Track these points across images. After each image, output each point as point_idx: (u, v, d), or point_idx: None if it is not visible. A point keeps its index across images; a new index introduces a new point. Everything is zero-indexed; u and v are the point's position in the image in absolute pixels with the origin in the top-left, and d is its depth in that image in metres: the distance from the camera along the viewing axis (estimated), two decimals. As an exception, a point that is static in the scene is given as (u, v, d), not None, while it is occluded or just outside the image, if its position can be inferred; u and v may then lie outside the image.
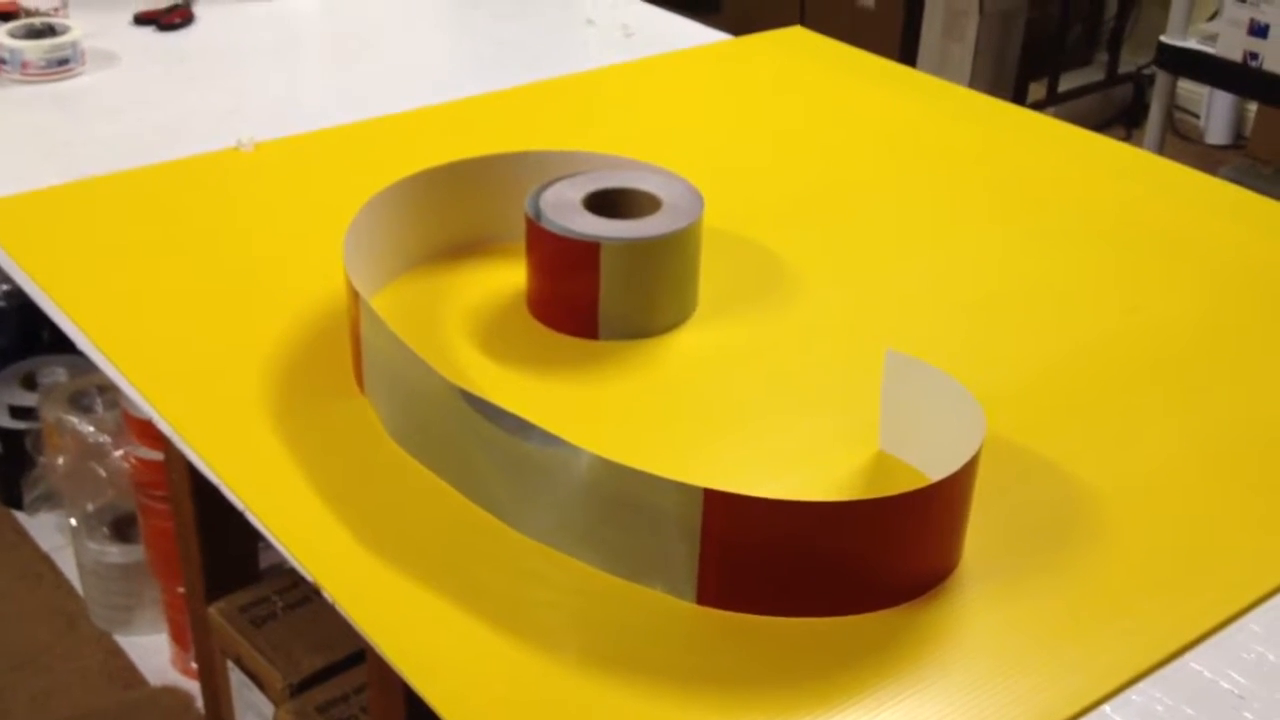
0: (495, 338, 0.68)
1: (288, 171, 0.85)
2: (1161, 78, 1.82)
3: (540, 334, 0.68)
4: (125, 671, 1.06)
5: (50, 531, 1.23)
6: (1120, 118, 2.50)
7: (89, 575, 1.10)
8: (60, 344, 1.34)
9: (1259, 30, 1.65)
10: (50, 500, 1.20)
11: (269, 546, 0.57)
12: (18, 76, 0.97)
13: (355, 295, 0.61)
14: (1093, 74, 2.57)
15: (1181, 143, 2.42)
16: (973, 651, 0.49)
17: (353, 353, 0.64)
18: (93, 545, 1.07)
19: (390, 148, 0.88)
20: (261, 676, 0.78)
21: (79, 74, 0.99)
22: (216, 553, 0.82)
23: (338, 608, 0.51)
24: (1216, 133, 2.49)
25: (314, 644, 0.78)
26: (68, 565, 1.18)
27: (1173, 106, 2.23)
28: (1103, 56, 2.58)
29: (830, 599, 0.50)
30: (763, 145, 0.91)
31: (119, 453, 1.00)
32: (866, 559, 0.50)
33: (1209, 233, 0.80)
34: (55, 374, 1.26)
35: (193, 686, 1.04)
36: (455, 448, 0.56)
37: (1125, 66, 2.54)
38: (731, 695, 0.47)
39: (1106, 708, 0.47)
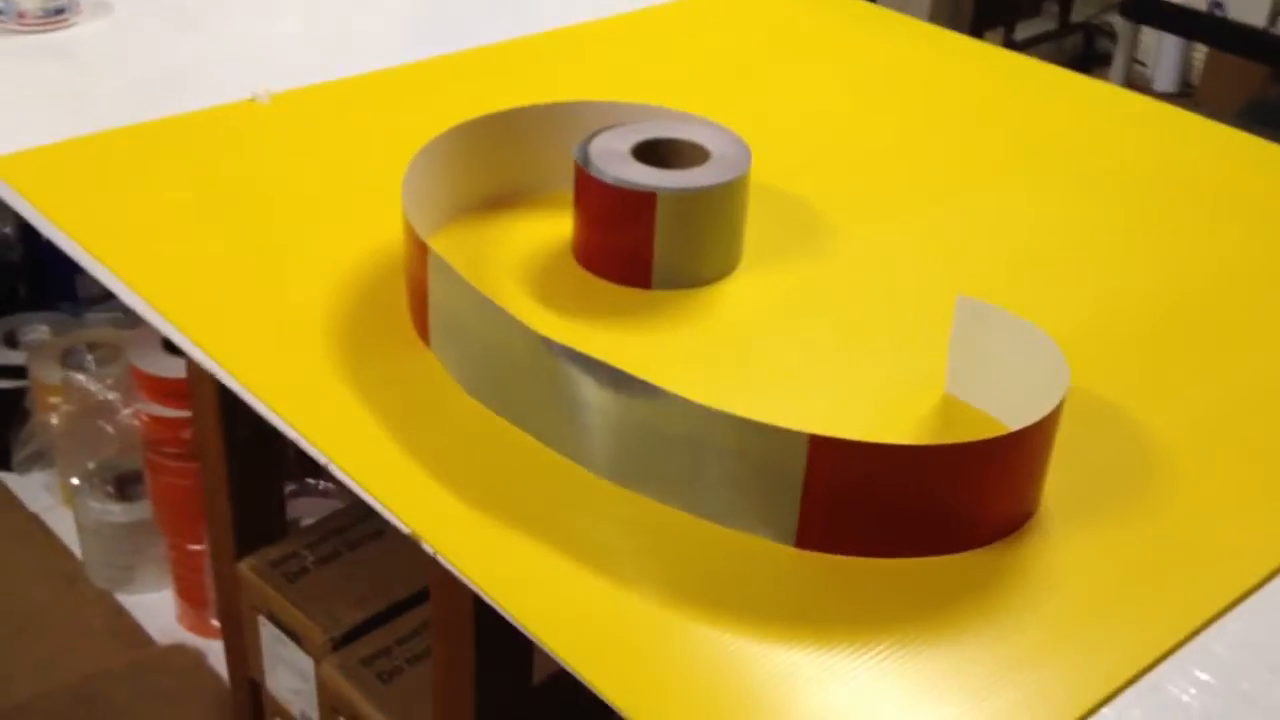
0: (546, 287, 0.68)
1: (311, 122, 0.83)
2: (1124, 27, 1.85)
3: (591, 283, 0.68)
4: (131, 631, 1.05)
5: (38, 491, 1.21)
6: (1071, 66, 2.53)
7: (89, 535, 1.08)
8: (39, 300, 1.32)
9: (1224, -20, 1.68)
10: (41, 460, 1.18)
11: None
12: (14, 26, 0.94)
13: (421, 246, 0.60)
14: (1044, 23, 2.59)
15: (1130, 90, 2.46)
16: (1060, 588, 0.50)
17: (412, 305, 0.64)
18: (95, 504, 1.06)
19: (408, 98, 0.87)
20: (299, 631, 0.78)
21: (74, 23, 0.96)
22: (246, 509, 0.81)
23: (423, 544, 0.51)
24: (1164, 80, 2.53)
25: (352, 598, 0.78)
26: (59, 525, 1.17)
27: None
28: (1053, 6, 2.61)
29: (926, 540, 0.51)
30: (783, 96, 0.91)
31: (128, 410, 0.98)
32: (963, 500, 0.51)
33: (1233, 180, 0.82)
34: (38, 330, 1.23)
35: (201, 643, 1.04)
36: (539, 399, 0.56)
37: (1074, 16, 2.57)
38: (831, 632, 0.48)
39: (1202, 637, 0.49)
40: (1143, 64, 2.54)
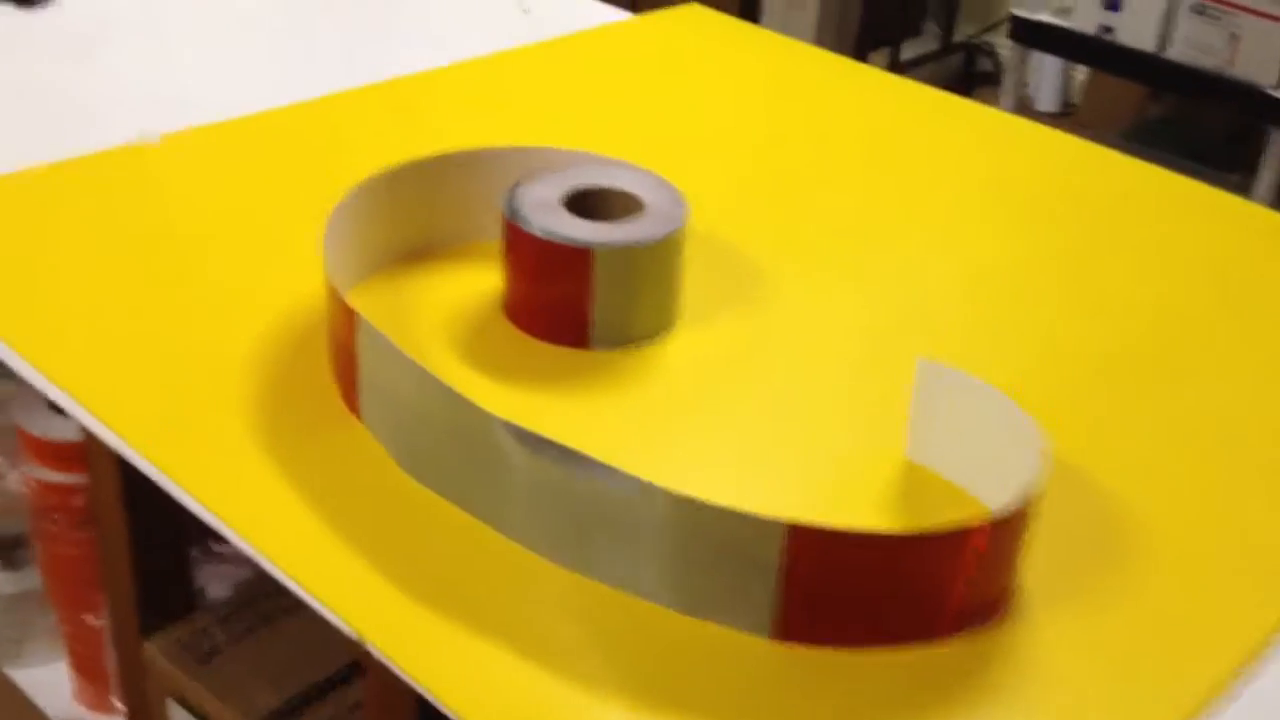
0: (477, 348, 0.64)
1: (209, 165, 0.78)
2: (1013, 50, 1.86)
3: (524, 343, 0.65)
4: (23, 709, 0.98)
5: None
6: (952, 85, 2.56)
7: (-31, 605, 1.01)
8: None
9: (1113, 4, 1.70)
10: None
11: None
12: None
13: (348, 311, 0.56)
14: (927, 43, 2.62)
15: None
16: (1046, 676, 0.48)
17: (336, 368, 0.59)
18: (-25, 574, 0.98)
19: (303, 138, 0.82)
20: (213, 718, 0.72)
21: (-59, 61, 0.90)
22: (150, 583, 0.75)
23: (369, 646, 0.47)
24: (1046, 100, 2.57)
25: (269, 680, 0.73)
26: (-68, 594, 1.08)
27: (1002, 75, 2.29)
28: (932, 26, 2.63)
29: (911, 626, 0.48)
30: (692, 131, 0.88)
31: (13, 473, 0.91)
32: (950, 585, 0.48)
33: (1145, 213, 0.81)
34: (-93, 385, 1.15)
35: (98, 720, 0.97)
36: (483, 477, 0.52)
37: (956, 36, 2.60)
38: None
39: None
40: (1024, 83, 2.58)
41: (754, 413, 0.61)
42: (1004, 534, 0.48)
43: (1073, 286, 0.73)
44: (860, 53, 2.40)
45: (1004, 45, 2.61)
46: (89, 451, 0.74)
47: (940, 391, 0.56)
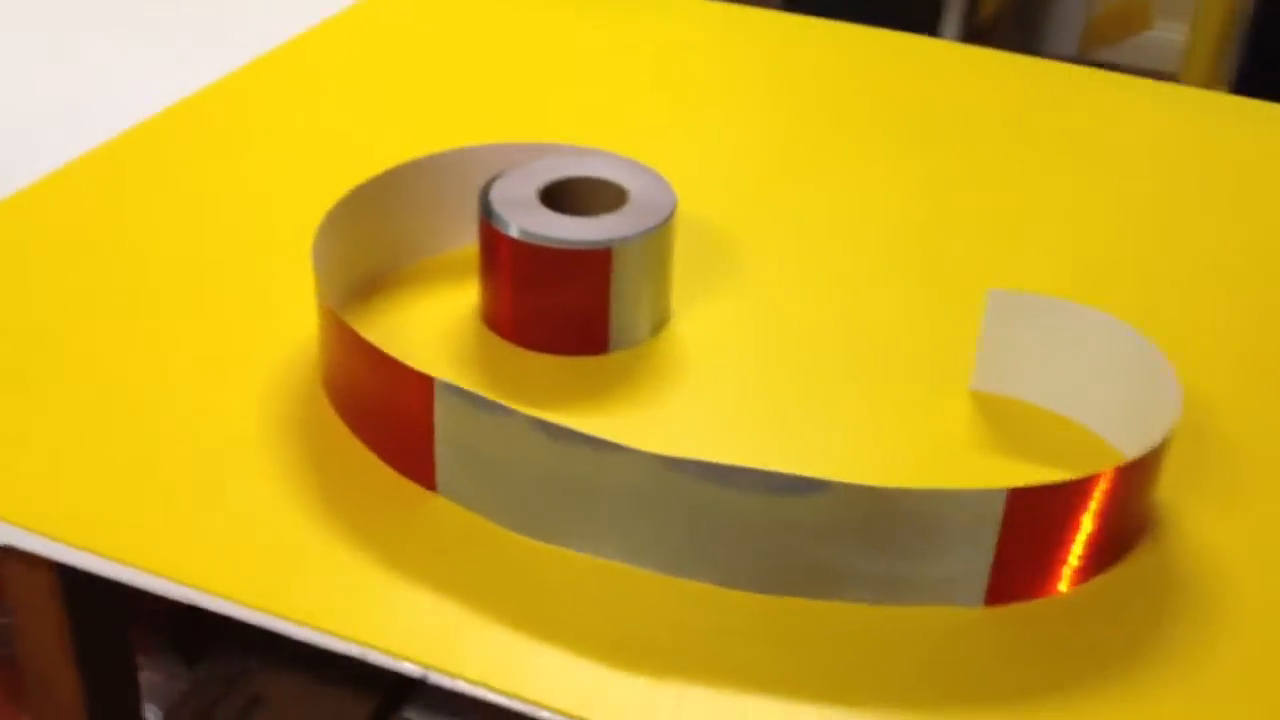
0: (496, 375, 0.59)
1: (84, 208, 0.68)
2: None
3: (536, 360, 0.60)
4: None
5: None
6: None
7: None
8: None
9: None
10: None
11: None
12: None
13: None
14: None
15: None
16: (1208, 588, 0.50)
17: (383, 442, 0.53)
18: None
19: (154, 170, 0.73)
20: None
21: None
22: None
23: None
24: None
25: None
26: None
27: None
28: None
29: (1096, 563, 0.49)
30: (627, 101, 0.84)
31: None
32: (1129, 513, 0.49)
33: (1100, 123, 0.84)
34: None
35: None
36: (640, 520, 0.48)
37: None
38: (1051, 685, 0.45)
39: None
40: None
41: (804, 382, 0.59)
42: (1156, 462, 0.49)
43: (1080, 223, 0.75)
44: None
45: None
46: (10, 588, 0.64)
47: (1013, 319, 0.56)
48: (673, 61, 0.89)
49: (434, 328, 0.62)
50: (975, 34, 1.99)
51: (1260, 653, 0.46)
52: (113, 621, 0.62)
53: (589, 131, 0.79)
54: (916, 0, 1.82)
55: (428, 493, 0.52)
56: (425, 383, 0.50)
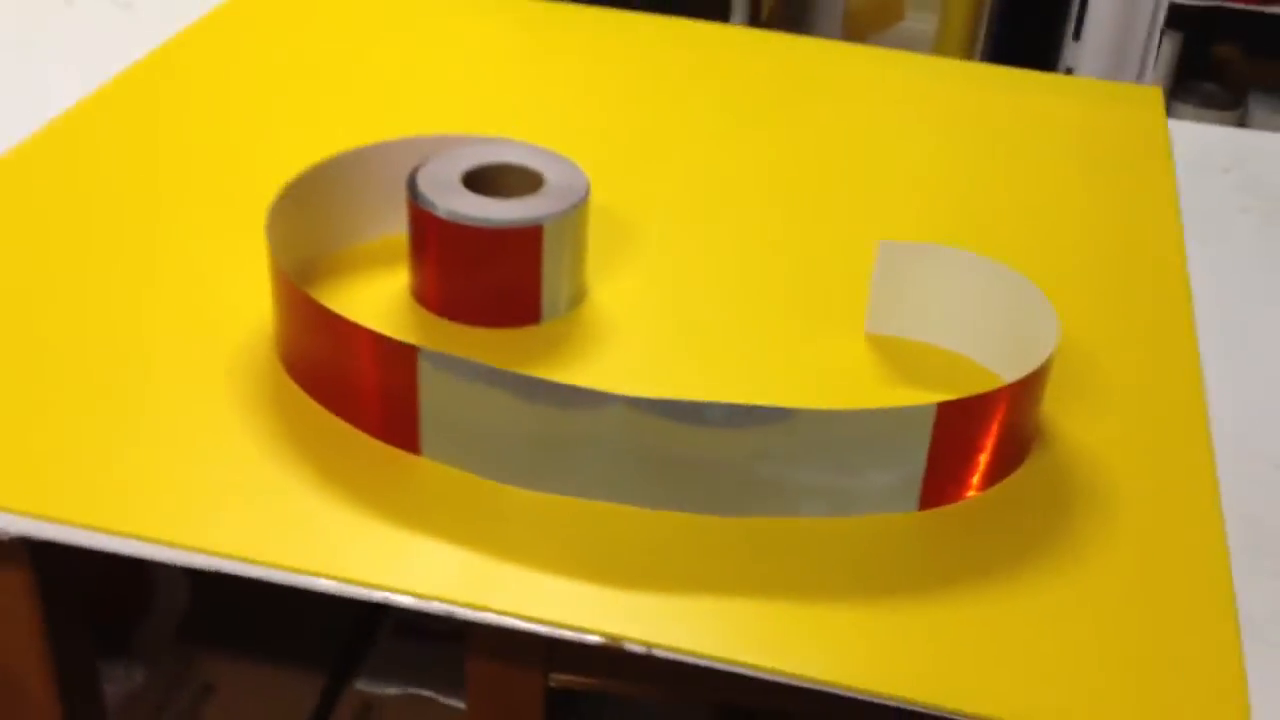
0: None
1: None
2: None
3: (474, 334, 0.65)
4: None
5: None
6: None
7: None
8: None
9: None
10: None
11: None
12: None
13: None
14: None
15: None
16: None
17: (361, 411, 0.57)
18: None
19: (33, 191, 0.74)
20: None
21: None
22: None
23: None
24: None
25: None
26: None
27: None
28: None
29: (1002, 469, 0.57)
30: (430, 97, 0.88)
31: None
32: (1025, 424, 0.57)
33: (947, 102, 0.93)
34: None
35: None
36: (618, 460, 0.54)
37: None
38: (967, 581, 0.53)
39: None
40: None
41: (706, 340, 0.66)
42: (1047, 373, 0.58)
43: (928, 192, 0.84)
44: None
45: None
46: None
47: (904, 266, 0.64)
48: (526, 61, 0.94)
49: (370, 308, 0.66)
50: (756, 27, 2.10)
51: (1135, 532, 0.56)
52: (83, 621, 0.64)
53: (473, 124, 0.84)
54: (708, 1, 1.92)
55: (412, 456, 0.57)
56: (409, 352, 0.54)
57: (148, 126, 0.81)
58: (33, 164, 0.76)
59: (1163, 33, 1.86)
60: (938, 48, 2.42)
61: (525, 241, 0.64)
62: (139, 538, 0.53)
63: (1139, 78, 1.90)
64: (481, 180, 0.67)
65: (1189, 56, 2.15)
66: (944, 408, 0.53)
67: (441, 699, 0.74)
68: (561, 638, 0.50)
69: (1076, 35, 1.96)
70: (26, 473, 0.55)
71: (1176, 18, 1.90)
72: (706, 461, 0.53)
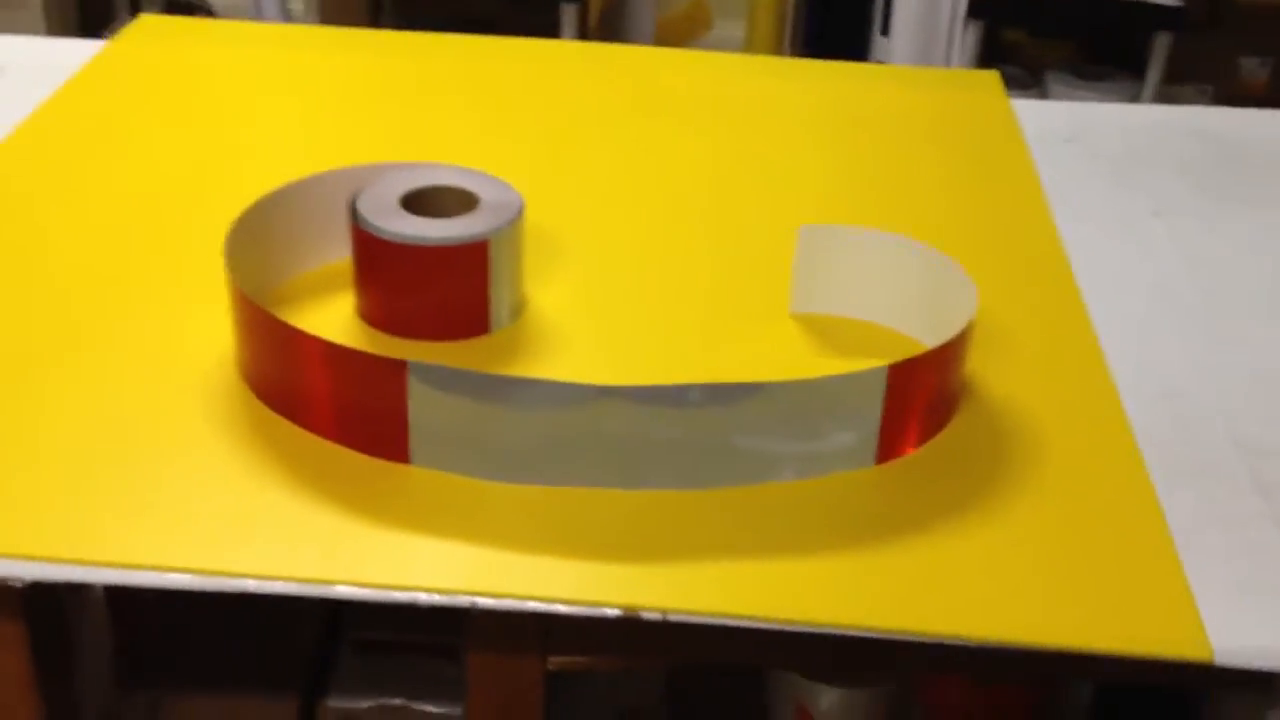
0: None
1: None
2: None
3: (422, 347, 0.68)
4: None
5: None
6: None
7: None
8: None
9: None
10: None
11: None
12: None
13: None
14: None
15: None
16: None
17: (347, 427, 0.60)
18: None
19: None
20: None
21: None
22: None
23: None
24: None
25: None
26: None
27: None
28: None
29: (939, 421, 0.63)
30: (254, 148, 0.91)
31: None
32: (957, 380, 0.64)
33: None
34: None
35: None
36: (604, 447, 0.58)
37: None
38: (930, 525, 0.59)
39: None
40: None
41: (647, 334, 0.70)
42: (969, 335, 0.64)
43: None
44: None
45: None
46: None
47: (824, 247, 0.69)
48: (410, 91, 0.97)
49: (322, 332, 0.68)
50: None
51: (1063, 466, 0.62)
52: (67, 650, 0.65)
53: (405, 151, 0.87)
54: (536, 20, 1.97)
55: (401, 465, 0.60)
56: (398, 367, 0.57)
57: (62, 169, 0.81)
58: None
59: (965, 22, 1.98)
60: (748, 52, 2.52)
61: (473, 256, 0.67)
62: (156, 568, 0.54)
63: (947, 66, 2.02)
64: (418, 203, 0.70)
65: (984, 43, 2.28)
66: (894, 369, 0.59)
67: (414, 705, 0.77)
68: (574, 615, 0.54)
69: (884, 31, 2.07)
70: (20, 518, 0.56)
71: (974, 6, 2.02)
72: (685, 440, 0.58)
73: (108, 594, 0.79)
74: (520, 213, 0.69)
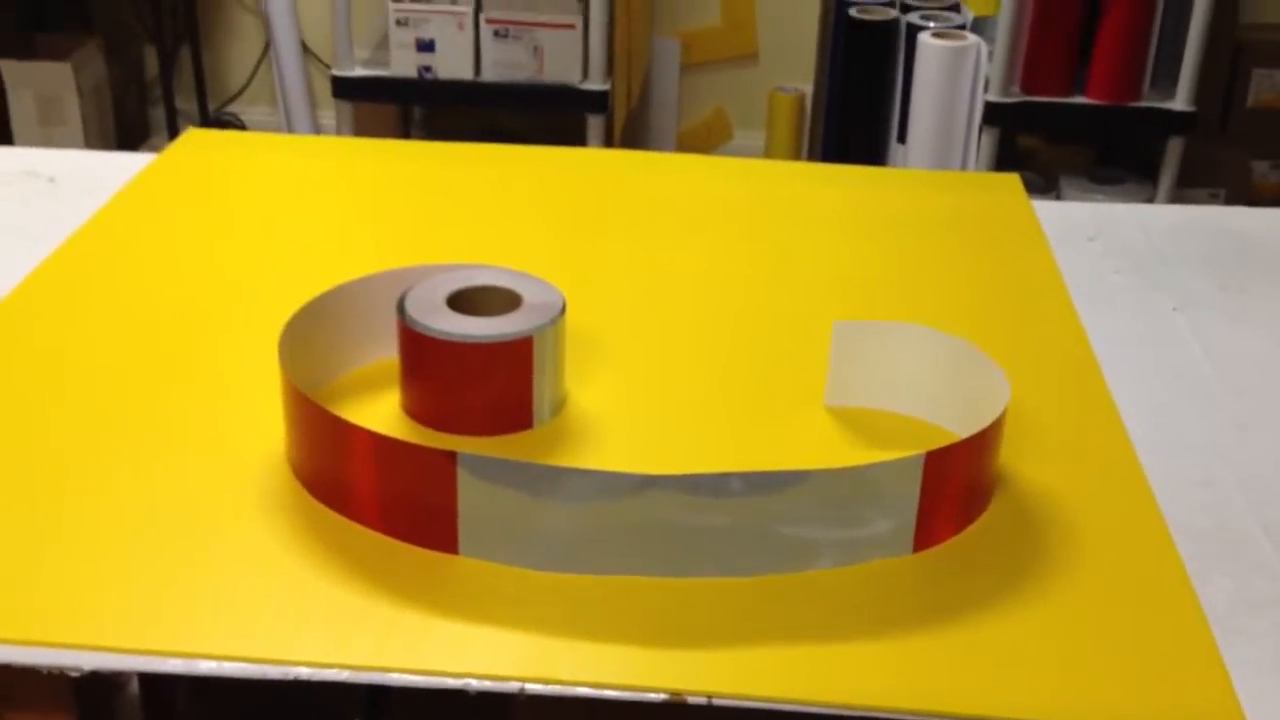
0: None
1: None
2: (342, 107, 1.99)
3: (469, 443, 0.70)
4: None
5: None
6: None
7: None
8: None
9: (427, 46, 1.88)
10: None
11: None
12: None
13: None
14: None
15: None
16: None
17: (400, 523, 0.62)
18: None
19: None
20: None
21: None
22: None
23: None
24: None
25: None
26: None
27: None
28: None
29: (974, 509, 0.65)
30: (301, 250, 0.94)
31: None
32: (991, 468, 0.65)
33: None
34: None
35: None
36: (648, 536, 0.59)
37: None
38: (970, 612, 0.60)
39: None
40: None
41: (685, 427, 0.72)
42: (1001, 426, 0.66)
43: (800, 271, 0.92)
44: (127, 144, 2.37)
45: (250, 113, 2.71)
46: None
47: (859, 341, 0.72)
48: (480, 198, 1.01)
49: (371, 428, 0.71)
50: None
51: (1097, 552, 0.63)
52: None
53: (454, 253, 0.90)
54: (563, 131, 2.02)
55: (449, 556, 0.61)
56: (448, 459, 0.59)
57: (120, 271, 0.84)
58: (29, 308, 0.79)
59: (980, 129, 2.02)
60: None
61: (518, 353, 0.69)
62: (211, 657, 0.56)
63: (964, 170, 2.06)
64: (464, 302, 0.73)
65: (999, 150, 2.33)
66: (931, 456, 0.60)
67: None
68: (621, 699, 0.55)
69: (901, 138, 2.11)
70: (76, 608, 0.58)
71: (990, 114, 2.07)
72: (728, 528, 0.59)
73: (142, 689, 0.80)
74: (562, 310, 0.72)
